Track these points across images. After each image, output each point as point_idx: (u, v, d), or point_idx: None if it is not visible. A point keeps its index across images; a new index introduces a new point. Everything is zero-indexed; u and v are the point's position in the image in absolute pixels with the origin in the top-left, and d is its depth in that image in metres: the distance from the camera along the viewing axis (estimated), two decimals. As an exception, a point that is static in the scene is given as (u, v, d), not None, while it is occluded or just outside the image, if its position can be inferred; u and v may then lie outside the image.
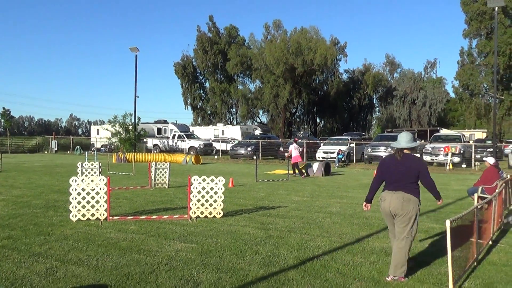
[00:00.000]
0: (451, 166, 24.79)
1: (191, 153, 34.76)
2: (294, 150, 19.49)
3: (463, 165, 25.19)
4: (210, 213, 8.81)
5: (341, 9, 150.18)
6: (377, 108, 65.93)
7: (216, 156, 36.12)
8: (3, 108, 51.54)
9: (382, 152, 27.67)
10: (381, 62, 72.86)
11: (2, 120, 61.39)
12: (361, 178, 19.44)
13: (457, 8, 46.37)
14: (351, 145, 30.15)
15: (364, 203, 5.70)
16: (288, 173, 18.73)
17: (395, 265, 5.13)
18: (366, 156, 28.56)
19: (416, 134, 35.35)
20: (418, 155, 18.60)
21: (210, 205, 8.81)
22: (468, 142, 30.14)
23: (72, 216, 8.31)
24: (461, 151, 25.65)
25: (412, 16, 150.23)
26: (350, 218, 9.08)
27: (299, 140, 24.61)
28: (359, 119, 63.82)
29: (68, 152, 44.16)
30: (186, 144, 38.32)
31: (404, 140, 5.29)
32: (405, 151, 5.32)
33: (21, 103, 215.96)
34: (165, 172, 14.42)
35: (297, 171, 19.34)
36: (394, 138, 26.99)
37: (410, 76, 59.08)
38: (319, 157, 29.30)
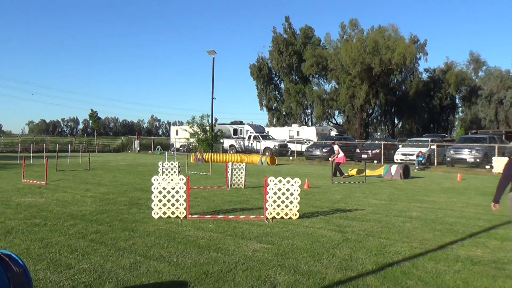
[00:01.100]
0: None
1: (266, 154, 35.01)
2: (340, 151, 19.93)
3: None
4: (286, 214, 8.80)
5: (421, 5, 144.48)
6: (460, 108, 62.68)
7: (291, 157, 36.11)
8: (91, 109, 55.10)
9: (466, 154, 26.28)
10: (464, 60, 69.44)
11: (90, 121, 65.45)
12: (443, 182, 18.57)
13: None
14: (432, 147, 28.89)
15: (492, 203, 5.68)
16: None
17: None
18: (448, 159, 27.19)
19: (503, 135, 33.22)
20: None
21: (286, 206, 8.80)
22: None
23: (154, 213, 8.66)
24: (556, 154, 23.76)
25: (498, 10, 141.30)
26: (431, 223, 8.69)
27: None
28: (440, 120, 61.05)
29: (150, 151, 46.15)
30: (261, 145, 38.67)
31: None
32: None
33: (107, 105, 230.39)
34: (242, 173, 14.61)
35: (338, 173, 19.64)
36: (479, 140, 25.46)
37: (497, 74, 55.49)
38: (397, 159, 28.43)
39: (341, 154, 19.92)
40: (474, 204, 11.58)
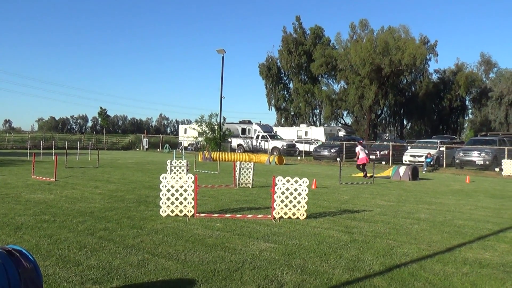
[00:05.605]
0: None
1: (274, 153, 35.03)
2: (360, 151, 19.92)
3: None
4: (294, 214, 8.80)
5: (432, 6, 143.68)
6: (470, 110, 62.24)
7: (299, 157, 36.08)
8: (101, 107, 55.61)
9: (475, 156, 26.11)
10: (475, 61, 68.91)
11: (100, 119, 65.93)
12: (452, 183, 18.48)
13: None
14: (441, 148, 28.74)
15: None
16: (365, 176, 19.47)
17: None
18: (457, 161, 27.05)
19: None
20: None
21: (294, 206, 8.80)
22: None
23: (162, 211, 8.70)
24: None
25: (510, 11, 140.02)
26: (440, 226, 8.65)
27: (363, 142, 24.41)
28: (449, 121, 60.65)
29: (158, 150, 46.30)
30: (269, 144, 38.70)
31: None
32: None
33: (116, 103, 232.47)
34: (249, 172, 14.62)
35: (363, 174, 19.91)
36: (489, 142, 25.39)
37: (508, 76, 54.97)
38: (405, 161, 28.32)
39: (362, 155, 19.81)
40: (483, 207, 11.51)
